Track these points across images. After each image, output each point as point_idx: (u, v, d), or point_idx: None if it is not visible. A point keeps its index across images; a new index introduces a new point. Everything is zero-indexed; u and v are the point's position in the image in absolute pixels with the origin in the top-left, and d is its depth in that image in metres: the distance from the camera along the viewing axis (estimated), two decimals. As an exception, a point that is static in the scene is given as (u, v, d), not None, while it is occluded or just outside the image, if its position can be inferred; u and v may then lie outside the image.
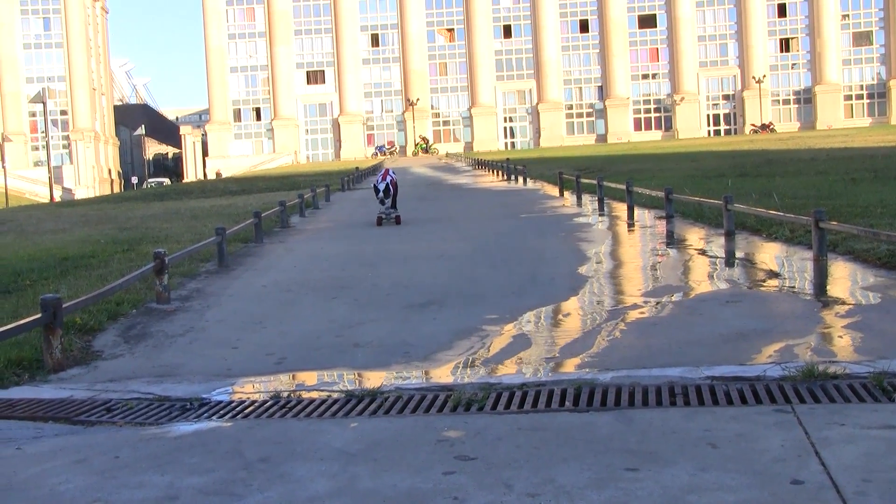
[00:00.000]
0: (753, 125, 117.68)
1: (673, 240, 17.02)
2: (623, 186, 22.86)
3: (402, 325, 10.11)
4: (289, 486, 5.14)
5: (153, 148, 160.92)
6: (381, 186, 22.71)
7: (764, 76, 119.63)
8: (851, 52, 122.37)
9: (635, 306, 10.50)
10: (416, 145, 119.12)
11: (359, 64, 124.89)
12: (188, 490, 5.15)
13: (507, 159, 53.17)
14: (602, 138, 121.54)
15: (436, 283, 13.03)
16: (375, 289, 12.80)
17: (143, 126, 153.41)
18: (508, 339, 9.15)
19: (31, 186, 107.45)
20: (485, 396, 6.82)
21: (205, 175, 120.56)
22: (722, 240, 16.07)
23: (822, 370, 6.88)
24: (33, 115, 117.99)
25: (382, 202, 22.76)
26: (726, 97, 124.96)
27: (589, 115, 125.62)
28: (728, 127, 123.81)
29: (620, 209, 23.60)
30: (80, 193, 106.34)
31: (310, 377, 8.19)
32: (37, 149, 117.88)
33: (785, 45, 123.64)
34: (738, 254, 14.54)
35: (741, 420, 5.92)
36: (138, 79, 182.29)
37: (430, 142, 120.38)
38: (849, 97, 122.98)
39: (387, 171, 23.52)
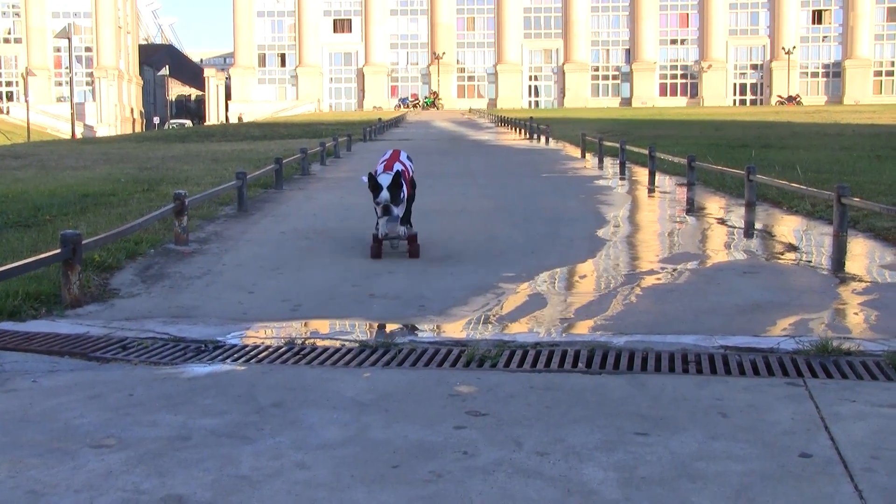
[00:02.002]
0: (780, 96, 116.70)
1: (693, 207, 16.96)
2: (645, 151, 22.74)
3: (419, 279, 10.12)
4: (300, 432, 5.18)
5: (176, 89, 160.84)
6: (385, 181, 11.26)
7: (794, 47, 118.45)
8: (885, 27, 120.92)
9: (652, 272, 10.49)
10: (424, 99, 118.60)
11: (386, 14, 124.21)
12: (200, 431, 5.20)
13: (531, 118, 52.95)
14: (627, 102, 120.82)
15: (454, 238, 13.03)
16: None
17: (167, 67, 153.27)
18: (524, 298, 9.16)
19: (53, 122, 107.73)
20: (498, 353, 6.85)
21: (227, 119, 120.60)
22: (742, 210, 15.99)
23: (835, 346, 6.87)
24: (58, 50, 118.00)
25: (386, 210, 11.25)
26: (754, 67, 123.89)
27: (615, 77, 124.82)
28: (754, 97, 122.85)
29: (642, 174, 23.49)
30: (102, 131, 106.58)
31: (324, 325, 8.24)
32: (60, 84, 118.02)
33: (817, 16, 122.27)
34: (758, 225, 14.48)
35: (753, 391, 5.92)
36: (164, 19, 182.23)
37: (439, 97, 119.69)
38: (878, 73, 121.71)
39: (397, 152, 12.18)
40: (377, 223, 11.55)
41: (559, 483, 4.42)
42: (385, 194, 11.17)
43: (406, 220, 11.90)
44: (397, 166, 11.63)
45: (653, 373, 6.41)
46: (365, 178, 11.43)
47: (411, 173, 12.13)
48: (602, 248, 12.38)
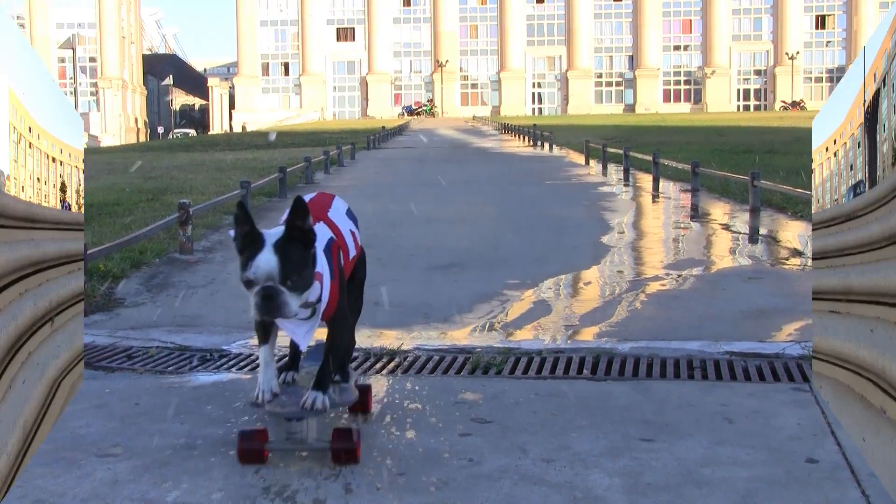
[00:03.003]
0: (784, 102, 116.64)
1: (697, 213, 16.95)
2: (649, 157, 22.73)
3: (424, 287, 10.13)
4: (306, 440, 5.17)
5: (180, 98, 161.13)
6: (271, 234, 4.36)
7: (797, 53, 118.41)
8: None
9: (657, 278, 10.49)
10: (423, 106, 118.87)
11: (389, 23, 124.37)
12: (206, 440, 5.20)
13: (534, 125, 52.96)
14: (630, 108, 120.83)
15: (458, 245, 13.03)
16: (398, 249, 12.80)
17: (170, 76, 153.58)
18: (529, 305, 9.16)
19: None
20: (503, 361, 6.85)
21: (231, 127, 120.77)
22: (747, 216, 15.94)
23: (842, 351, 6.85)
24: (62, 61, 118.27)
25: (266, 299, 4.27)
26: (758, 72, 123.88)
27: (618, 84, 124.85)
28: (758, 102, 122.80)
29: (645, 180, 23.49)
30: (106, 141, 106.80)
31: (329, 334, 8.21)
32: (64, 95, 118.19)
33: (821, 21, 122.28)
34: (763, 230, 14.46)
35: (758, 396, 5.91)
36: (168, 28, 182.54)
37: (435, 105, 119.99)
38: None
39: (324, 199, 5.46)
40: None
41: (565, 490, 4.42)
42: (267, 259, 4.34)
43: (337, 363, 5.16)
44: (321, 231, 4.78)
45: (658, 379, 6.40)
46: (231, 234, 4.53)
47: (353, 252, 5.40)
48: (606, 254, 12.38)
